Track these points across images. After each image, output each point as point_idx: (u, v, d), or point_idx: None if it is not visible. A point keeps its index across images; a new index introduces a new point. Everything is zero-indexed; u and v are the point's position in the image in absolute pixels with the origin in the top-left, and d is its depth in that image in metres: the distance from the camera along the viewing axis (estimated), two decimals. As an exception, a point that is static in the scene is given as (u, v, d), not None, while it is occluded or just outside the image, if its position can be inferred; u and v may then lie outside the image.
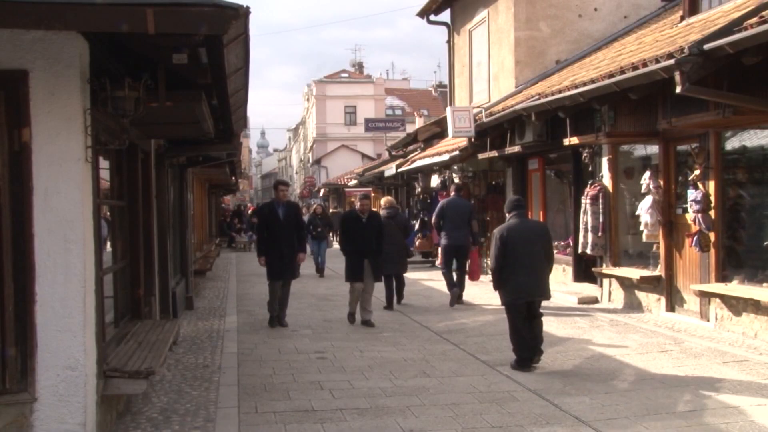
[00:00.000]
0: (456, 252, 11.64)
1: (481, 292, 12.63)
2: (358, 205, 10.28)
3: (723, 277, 8.73)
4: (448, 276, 11.60)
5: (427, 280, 15.33)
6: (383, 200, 12.99)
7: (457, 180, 16.61)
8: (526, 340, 7.09)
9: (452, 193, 12.95)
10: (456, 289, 11.51)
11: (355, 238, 9.86)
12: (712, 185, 8.73)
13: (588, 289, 11.76)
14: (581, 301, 11.27)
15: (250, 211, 34.16)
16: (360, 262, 9.73)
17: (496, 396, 6.21)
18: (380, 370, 7.22)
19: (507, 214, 7.57)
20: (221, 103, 6.43)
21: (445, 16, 18.89)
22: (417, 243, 18.12)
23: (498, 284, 7.22)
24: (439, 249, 12.10)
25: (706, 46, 7.32)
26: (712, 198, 8.68)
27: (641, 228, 9.91)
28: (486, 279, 15.00)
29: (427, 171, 19.22)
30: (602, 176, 11.17)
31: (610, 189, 10.95)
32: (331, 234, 20.04)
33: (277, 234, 9.64)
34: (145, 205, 7.57)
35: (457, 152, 15.43)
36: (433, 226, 12.53)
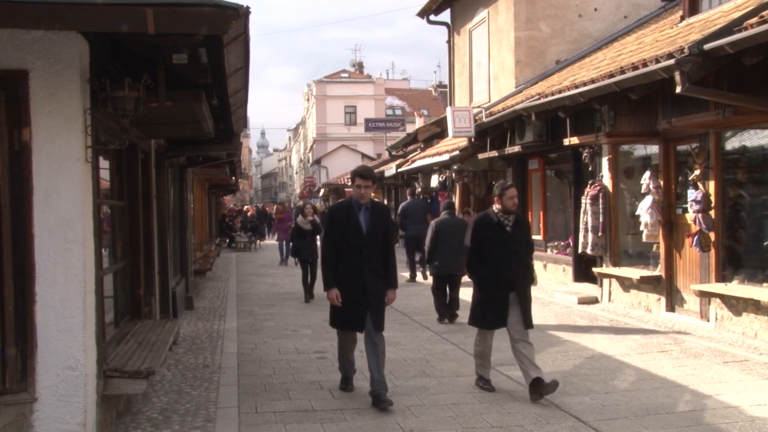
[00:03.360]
0: (417, 242, 14.31)
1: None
2: (509, 203, 6.33)
3: (723, 277, 8.73)
4: (412, 265, 15.02)
5: (427, 279, 15.32)
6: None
7: (435, 183, 18.48)
8: (443, 302, 10.03)
9: (408, 197, 16.16)
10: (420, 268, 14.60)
11: (497, 257, 6.23)
12: (712, 185, 8.73)
13: (588, 289, 11.76)
14: (581, 301, 11.26)
15: (249, 214, 34.12)
16: (505, 298, 6.20)
17: (496, 396, 6.21)
18: (380, 370, 7.21)
19: (441, 212, 10.46)
20: (221, 103, 6.43)
21: (445, 16, 18.91)
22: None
23: (429, 260, 10.30)
24: (402, 239, 15.59)
25: (706, 46, 7.32)
26: (712, 198, 8.68)
27: (641, 228, 9.91)
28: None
29: (427, 171, 19.22)
30: (602, 176, 11.17)
31: (610, 189, 10.94)
32: None
33: (356, 254, 6.05)
34: (145, 205, 7.57)
35: (457, 152, 15.43)
36: (398, 224, 15.12)
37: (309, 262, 12.61)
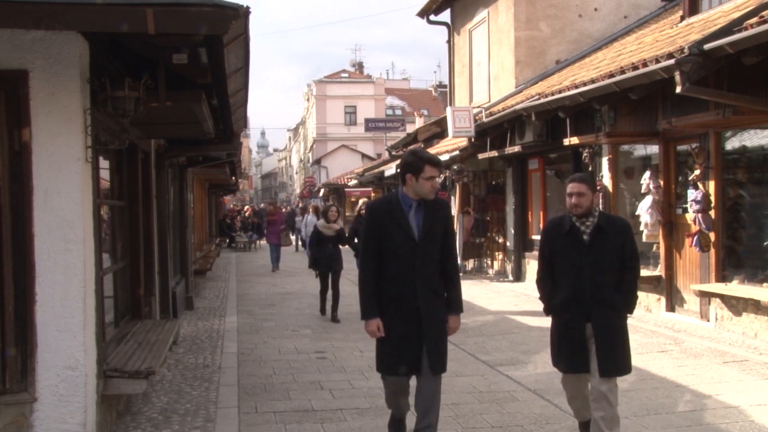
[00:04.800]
0: None
1: (482, 292, 12.63)
2: (568, 203, 4.75)
3: (723, 277, 8.73)
4: None
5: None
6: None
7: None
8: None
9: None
10: None
11: (575, 279, 4.68)
12: (712, 185, 8.73)
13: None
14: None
15: (247, 214, 34.12)
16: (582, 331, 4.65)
17: (496, 396, 6.21)
18: (380, 370, 7.21)
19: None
20: (221, 103, 6.43)
21: (445, 16, 18.91)
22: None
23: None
24: None
25: (706, 46, 7.32)
26: (712, 198, 8.68)
27: (641, 228, 9.91)
28: (486, 279, 15.02)
29: (427, 171, 19.17)
30: (602, 176, 11.17)
31: (610, 189, 10.94)
32: None
33: (406, 269, 4.53)
34: (145, 205, 7.57)
35: (457, 152, 15.43)
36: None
37: (330, 274, 10.74)
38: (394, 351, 4.56)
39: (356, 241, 10.67)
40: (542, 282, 4.89)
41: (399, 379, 4.63)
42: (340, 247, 10.96)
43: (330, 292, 10.63)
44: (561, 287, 4.69)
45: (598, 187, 10.92)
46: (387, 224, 4.57)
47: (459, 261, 16.25)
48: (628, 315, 4.73)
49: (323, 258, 10.74)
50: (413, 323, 4.50)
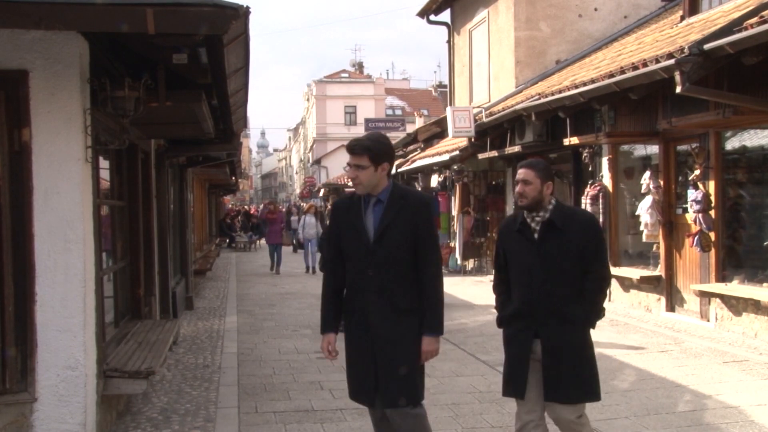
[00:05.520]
0: None
1: (482, 292, 12.63)
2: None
3: (723, 277, 8.73)
4: None
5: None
6: None
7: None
8: None
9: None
10: None
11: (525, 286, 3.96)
12: (712, 185, 8.73)
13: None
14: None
15: (252, 212, 34.09)
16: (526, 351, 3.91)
17: (496, 396, 6.20)
18: (380, 370, 7.22)
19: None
20: (221, 103, 6.43)
21: (445, 16, 18.91)
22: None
23: None
24: None
25: (706, 46, 7.32)
26: (713, 198, 8.68)
27: (641, 228, 9.91)
28: (486, 279, 15.03)
29: (427, 171, 19.21)
30: (602, 176, 11.17)
31: (610, 189, 10.94)
32: None
33: (358, 276, 3.89)
34: (145, 205, 7.57)
35: (457, 152, 15.42)
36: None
37: None
38: (351, 376, 3.95)
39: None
40: (496, 289, 4.16)
41: (371, 410, 3.95)
42: None
43: None
44: (513, 295, 3.97)
45: (598, 187, 10.92)
46: (344, 224, 3.93)
47: (459, 261, 16.28)
48: (593, 328, 3.98)
49: None
50: (365, 344, 3.80)
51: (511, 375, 3.95)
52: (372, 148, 3.74)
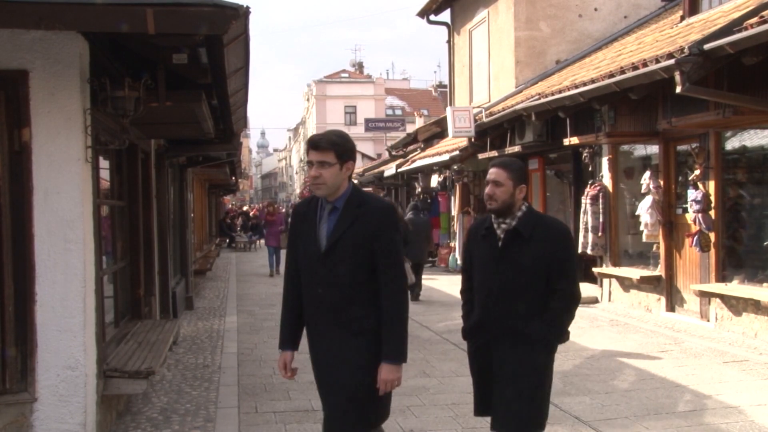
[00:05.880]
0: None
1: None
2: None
3: (723, 277, 8.73)
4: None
5: (426, 279, 15.32)
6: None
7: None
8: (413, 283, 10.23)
9: (409, 213, 13.38)
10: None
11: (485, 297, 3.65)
12: (712, 185, 8.73)
13: (588, 289, 11.74)
14: (581, 301, 11.23)
15: (252, 213, 34.10)
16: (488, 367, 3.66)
17: (496, 396, 6.21)
18: (380, 370, 7.21)
19: (408, 212, 11.44)
20: (221, 103, 6.43)
21: (445, 16, 18.90)
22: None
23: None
24: None
25: (706, 46, 7.32)
26: (712, 198, 8.68)
27: (641, 228, 9.91)
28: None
29: (427, 171, 19.21)
30: (602, 176, 11.17)
31: (610, 189, 10.94)
32: None
33: (310, 291, 3.49)
34: (145, 205, 7.57)
35: (457, 152, 15.42)
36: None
37: None
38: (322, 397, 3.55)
39: None
40: (463, 295, 3.81)
41: None
42: None
43: None
44: (476, 305, 3.63)
45: (598, 187, 10.92)
46: (300, 232, 3.50)
47: (459, 261, 16.26)
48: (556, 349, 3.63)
49: None
50: (319, 366, 3.50)
51: (476, 393, 3.68)
52: (339, 143, 3.32)
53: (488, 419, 3.86)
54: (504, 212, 3.51)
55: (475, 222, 3.85)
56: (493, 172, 3.54)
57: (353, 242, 3.29)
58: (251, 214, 34.07)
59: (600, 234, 10.88)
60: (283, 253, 19.22)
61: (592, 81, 9.52)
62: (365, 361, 3.31)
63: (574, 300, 3.55)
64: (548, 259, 3.44)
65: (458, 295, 4.00)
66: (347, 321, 3.32)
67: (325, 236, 3.35)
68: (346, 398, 3.32)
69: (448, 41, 19.11)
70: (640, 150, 10.80)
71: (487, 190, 3.54)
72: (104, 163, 5.94)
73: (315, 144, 3.32)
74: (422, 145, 21.73)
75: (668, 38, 9.77)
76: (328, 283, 3.33)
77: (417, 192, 21.07)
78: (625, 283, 10.66)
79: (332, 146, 3.30)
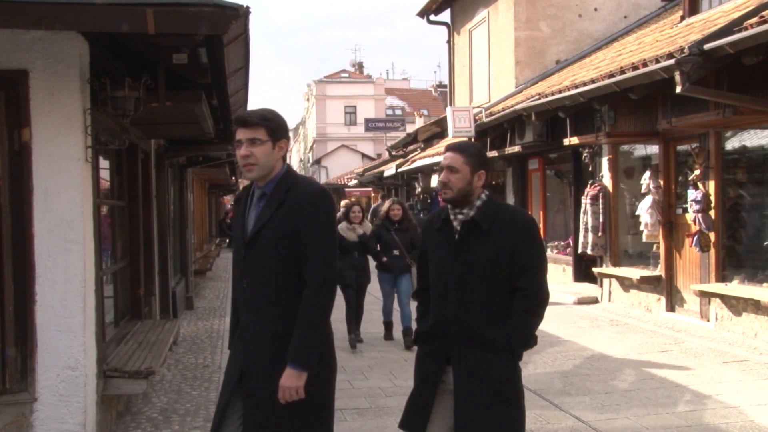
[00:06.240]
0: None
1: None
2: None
3: (723, 277, 8.73)
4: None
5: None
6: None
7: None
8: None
9: None
10: None
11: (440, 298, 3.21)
12: (712, 185, 8.73)
13: (588, 289, 11.75)
14: (581, 301, 11.26)
15: None
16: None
17: (496, 396, 6.20)
18: (380, 370, 7.22)
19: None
20: (221, 103, 6.43)
21: (445, 16, 18.91)
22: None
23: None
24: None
25: (706, 46, 7.32)
26: (712, 198, 8.68)
27: (641, 228, 9.91)
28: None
29: (427, 171, 19.22)
30: (602, 176, 11.17)
31: (610, 189, 10.95)
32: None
33: (236, 287, 3.17)
34: (145, 205, 7.57)
35: (457, 152, 15.41)
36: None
37: (355, 290, 8.68)
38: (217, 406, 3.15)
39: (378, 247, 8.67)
40: (417, 297, 3.40)
41: None
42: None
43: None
44: (431, 308, 3.20)
45: (598, 187, 10.91)
46: (234, 221, 3.29)
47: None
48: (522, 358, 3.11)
49: (347, 269, 8.46)
50: (231, 374, 3.08)
51: (410, 406, 3.17)
52: (270, 119, 3.00)
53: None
54: (460, 202, 3.10)
55: (432, 214, 3.44)
56: (447, 157, 3.13)
57: (277, 232, 2.93)
58: None
59: (600, 234, 10.88)
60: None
61: (592, 81, 9.52)
62: (272, 364, 2.90)
63: (540, 300, 3.08)
64: (510, 254, 3.01)
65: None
66: (273, 321, 2.93)
67: (252, 222, 3.02)
68: (271, 401, 2.87)
69: (448, 41, 19.11)
70: (640, 150, 10.80)
71: (441, 176, 3.14)
72: (104, 163, 5.94)
73: (244, 121, 2.99)
74: (422, 145, 21.74)
75: (668, 38, 9.77)
76: (252, 276, 2.99)
77: (417, 192, 21.09)
78: (625, 283, 10.66)
79: (263, 121, 2.97)
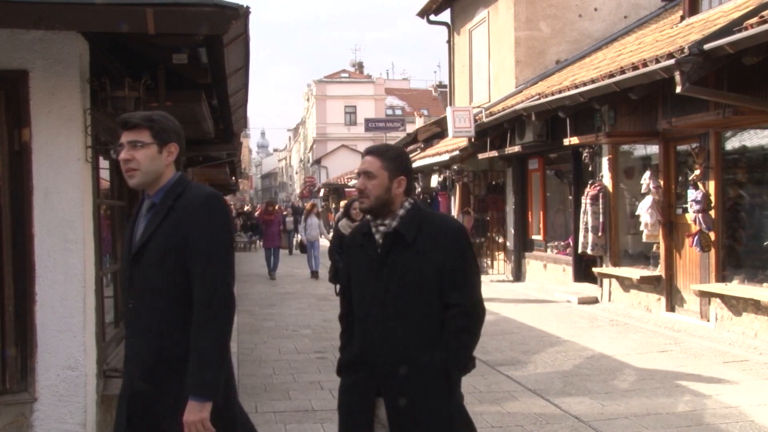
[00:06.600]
0: None
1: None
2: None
3: (723, 277, 8.73)
4: None
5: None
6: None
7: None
8: None
9: None
10: None
11: (363, 320, 2.86)
12: (712, 185, 8.73)
13: (588, 289, 11.76)
14: (581, 301, 11.26)
15: (257, 213, 34.09)
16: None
17: (496, 396, 6.21)
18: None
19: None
20: (221, 103, 6.43)
21: (445, 16, 18.92)
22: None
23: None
24: None
25: (706, 46, 7.32)
26: (712, 198, 8.68)
27: (641, 228, 9.91)
28: (486, 280, 15.03)
29: (427, 171, 19.22)
30: (602, 176, 11.17)
31: (610, 189, 10.95)
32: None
33: (125, 308, 2.90)
34: (145, 205, 7.56)
35: (457, 152, 15.43)
36: None
37: None
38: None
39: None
40: (341, 321, 3.06)
41: None
42: None
43: None
44: (356, 332, 2.88)
45: (598, 187, 10.90)
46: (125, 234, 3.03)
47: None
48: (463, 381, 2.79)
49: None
50: (122, 400, 2.77)
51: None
52: (156, 120, 2.72)
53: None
54: (380, 212, 2.79)
55: (353, 229, 3.12)
56: (364, 161, 2.82)
57: (164, 244, 2.63)
58: (256, 213, 34.09)
59: (600, 234, 10.88)
60: (282, 253, 19.44)
61: (592, 81, 9.53)
62: (177, 396, 2.57)
63: (477, 317, 2.77)
64: (439, 268, 2.70)
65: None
66: (161, 345, 2.63)
67: (138, 235, 2.74)
68: None
69: (448, 41, 19.11)
70: (640, 150, 10.80)
71: (358, 183, 2.81)
72: (104, 163, 5.94)
73: (125, 122, 2.72)
74: (422, 145, 21.73)
75: (668, 38, 9.77)
76: (137, 295, 2.71)
77: (417, 192, 21.08)
78: (625, 283, 10.66)
79: (147, 122, 2.69)
